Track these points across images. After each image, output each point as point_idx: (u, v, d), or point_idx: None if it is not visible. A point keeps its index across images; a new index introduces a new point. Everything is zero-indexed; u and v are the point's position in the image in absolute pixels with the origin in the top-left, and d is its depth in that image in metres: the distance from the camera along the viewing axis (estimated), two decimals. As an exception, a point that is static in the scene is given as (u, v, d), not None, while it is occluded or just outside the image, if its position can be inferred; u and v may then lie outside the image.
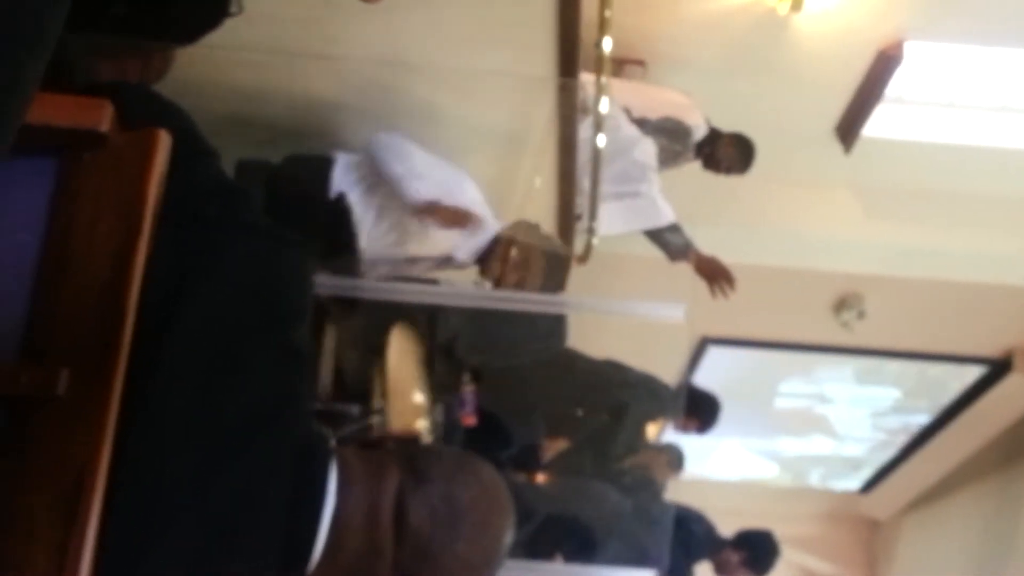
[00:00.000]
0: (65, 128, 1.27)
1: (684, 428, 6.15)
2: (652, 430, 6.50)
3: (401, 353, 3.80)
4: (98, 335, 1.20)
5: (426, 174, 3.93)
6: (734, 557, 6.14)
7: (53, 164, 1.29)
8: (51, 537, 1.12)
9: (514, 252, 4.12)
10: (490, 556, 1.40)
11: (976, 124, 6.63)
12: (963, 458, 10.26)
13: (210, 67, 3.16)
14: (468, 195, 4.07)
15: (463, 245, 4.17)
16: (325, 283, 2.92)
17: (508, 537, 1.44)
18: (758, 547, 6.16)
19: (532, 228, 4.32)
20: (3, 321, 1.22)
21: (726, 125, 5.58)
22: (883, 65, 5.97)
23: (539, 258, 4.14)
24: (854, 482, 11.42)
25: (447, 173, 4.03)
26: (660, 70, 5.84)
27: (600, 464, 5.88)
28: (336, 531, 1.32)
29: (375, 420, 3.32)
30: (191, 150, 1.39)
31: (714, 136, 5.52)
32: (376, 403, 3.52)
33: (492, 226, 4.14)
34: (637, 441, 5.99)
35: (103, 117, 1.27)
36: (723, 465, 7.24)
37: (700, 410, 6.16)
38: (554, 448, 5.56)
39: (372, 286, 3.60)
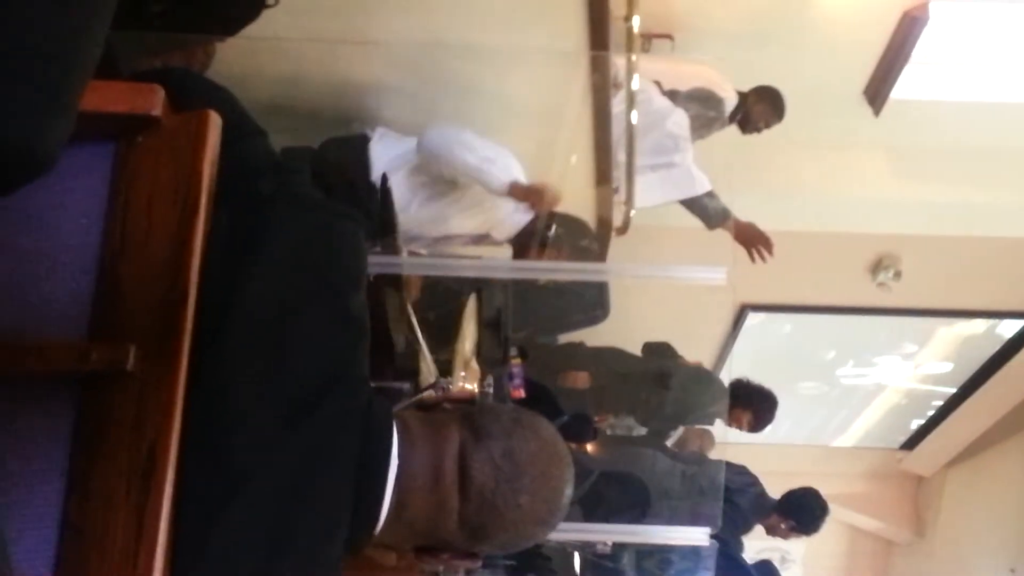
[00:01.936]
0: (120, 114, 1.27)
1: (735, 423, 6.06)
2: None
3: (467, 326, 3.82)
4: (162, 312, 1.21)
5: (495, 158, 3.92)
6: (782, 523, 6.12)
7: (110, 149, 1.29)
8: (129, 502, 1.13)
9: (553, 232, 4.13)
10: (553, 507, 1.40)
11: (1004, 81, 6.57)
12: (1005, 412, 10.18)
13: (250, 58, 3.18)
14: (514, 174, 4.06)
15: (500, 225, 4.17)
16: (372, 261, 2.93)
17: (569, 489, 1.43)
18: (804, 510, 6.13)
19: (572, 222, 4.32)
20: (71, 302, 1.23)
21: (753, 93, 5.57)
22: (909, 26, 5.92)
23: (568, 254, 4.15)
24: (897, 439, 11.34)
25: (495, 151, 4.02)
26: (688, 43, 5.81)
27: (650, 432, 5.90)
28: (401, 491, 1.32)
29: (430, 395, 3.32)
30: (241, 131, 1.40)
31: (744, 100, 5.49)
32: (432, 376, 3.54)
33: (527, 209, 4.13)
34: (683, 410, 5.99)
35: (156, 101, 1.28)
36: (769, 429, 7.23)
37: (755, 402, 6.11)
38: (604, 420, 5.57)
39: (418, 262, 3.60)
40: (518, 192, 3.93)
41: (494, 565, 4.04)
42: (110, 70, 1.13)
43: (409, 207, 3.91)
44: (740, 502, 5.97)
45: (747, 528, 6.13)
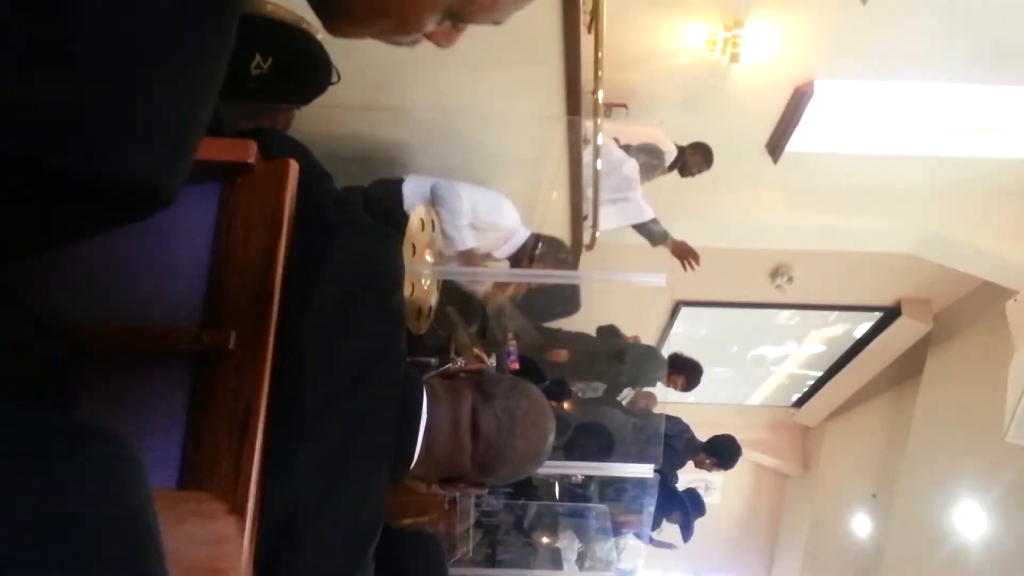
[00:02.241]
0: (224, 161, 1.27)
1: (671, 384, 6.09)
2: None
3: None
4: (255, 306, 1.21)
5: (465, 224, 3.93)
6: (707, 460, 6.13)
7: (217, 187, 1.29)
8: (231, 447, 1.13)
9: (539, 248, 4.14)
10: (539, 449, 1.43)
11: (868, 138, 6.59)
12: (868, 380, 10.25)
13: (319, 121, 3.19)
14: (505, 214, 4.07)
15: (500, 248, 4.18)
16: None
17: (551, 437, 1.46)
18: (724, 450, 6.13)
19: (553, 241, 4.34)
20: (188, 298, 1.23)
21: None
22: (799, 98, 5.93)
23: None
24: (790, 400, 11.41)
25: (491, 202, 4.02)
26: (638, 110, 5.83)
27: (610, 392, 5.90)
28: (429, 437, 1.34)
29: (449, 368, 3.33)
30: (312, 174, 1.40)
31: (682, 152, 5.50)
32: (452, 355, 3.56)
33: (523, 232, 4.13)
34: (635, 377, 6.00)
35: (250, 152, 1.28)
36: (698, 391, 7.27)
37: (686, 371, 6.13)
38: (575, 385, 5.58)
39: (442, 270, 3.61)
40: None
41: (495, 491, 4.05)
42: (217, 129, 1.14)
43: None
44: (676, 445, 5.97)
45: (681, 464, 6.13)
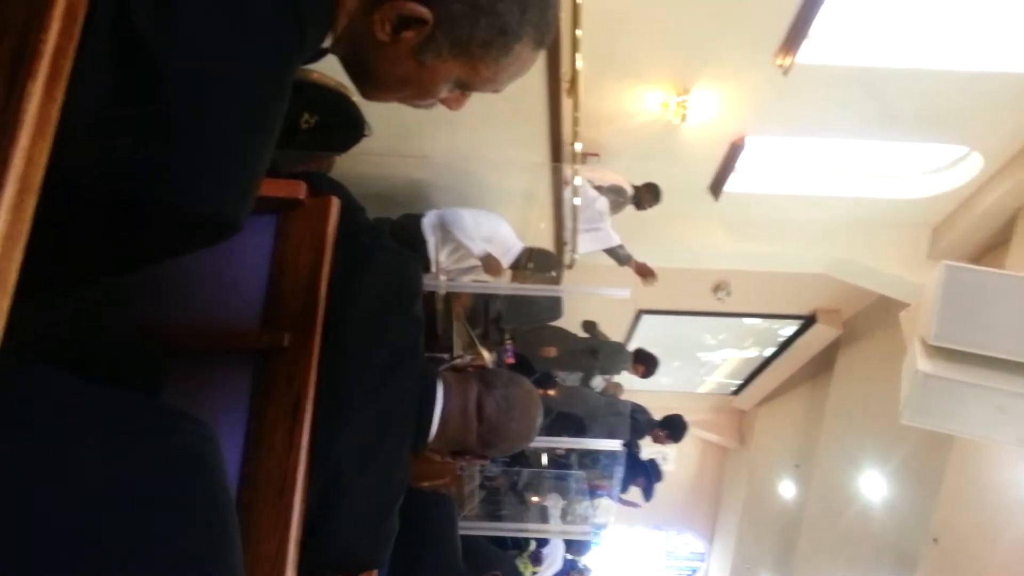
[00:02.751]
0: (280, 198, 1.28)
1: (635, 372, 6.08)
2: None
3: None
4: (305, 312, 1.21)
5: (476, 237, 3.94)
6: (662, 433, 6.11)
7: (275, 218, 1.29)
8: (285, 427, 1.13)
9: (531, 266, 4.14)
10: (532, 429, 1.43)
11: (789, 182, 6.60)
12: (790, 374, 10.23)
13: (355, 165, 3.18)
14: (503, 230, 4.07)
15: (503, 258, 4.18)
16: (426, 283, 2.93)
17: (540, 420, 1.46)
18: (676, 427, 6.12)
19: (544, 253, 4.34)
20: (251, 307, 1.23)
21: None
22: (734, 150, 5.94)
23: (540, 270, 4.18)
24: (729, 388, 11.39)
25: (491, 220, 4.02)
26: (607, 158, 5.83)
27: (585, 380, 5.87)
28: (443, 419, 1.33)
29: (459, 362, 3.33)
30: (351, 207, 1.40)
31: (637, 191, 5.50)
32: (458, 351, 3.54)
33: (518, 246, 4.13)
34: (606, 368, 5.99)
35: (301, 190, 1.28)
36: (655, 382, 7.24)
37: (647, 362, 6.13)
38: (558, 375, 5.56)
39: (453, 285, 3.62)
40: (485, 262, 3.96)
41: (495, 461, 4.04)
42: (274, 172, 1.14)
43: (442, 254, 3.93)
44: (639, 419, 5.97)
45: (643, 435, 6.10)
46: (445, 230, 3.92)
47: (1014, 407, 3.28)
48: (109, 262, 0.75)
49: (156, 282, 1.19)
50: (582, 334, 5.95)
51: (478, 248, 3.90)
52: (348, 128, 2.77)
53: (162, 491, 0.59)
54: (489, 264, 3.91)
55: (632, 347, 6.33)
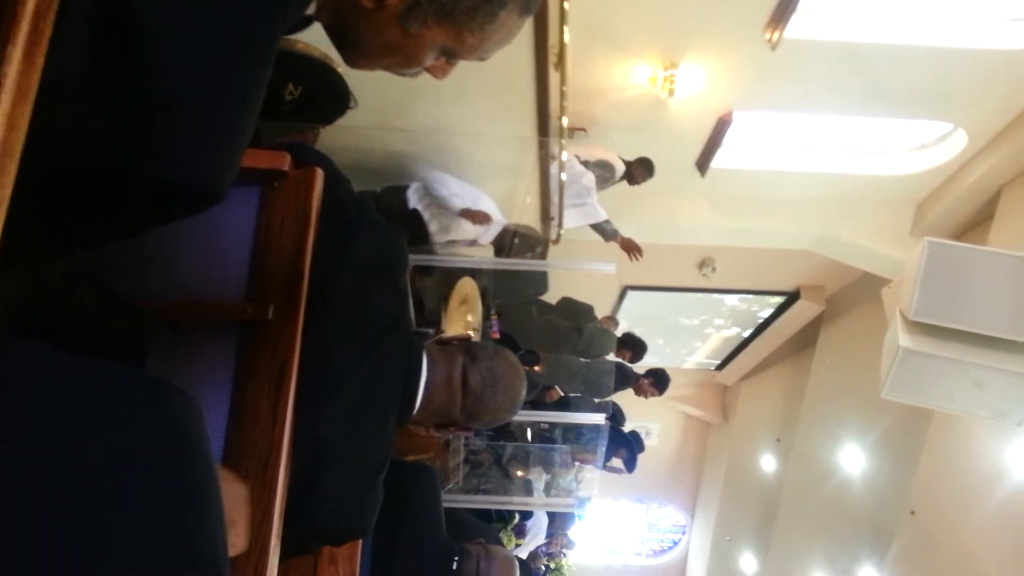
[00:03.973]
0: (264, 169, 1.26)
1: (621, 356, 6.08)
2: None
3: (460, 296, 3.83)
4: (289, 284, 1.20)
5: (459, 193, 3.92)
6: (646, 381, 6.14)
7: (257, 190, 1.28)
8: (270, 397, 1.13)
9: (516, 242, 4.14)
10: (515, 402, 1.43)
11: (775, 158, 6.62)
12: (773, 350, 10.31)
13: (339, 137, 3.16)
14: (484, 201, 4.06)
15: (484, 234, 4.17)
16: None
17: (524, 394, 1.46)
18: (660, 375, 6.15)
19: (528, 231, 4.33)
20: (235, 279, 1.23)
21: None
22: (721, 126, 5.93)
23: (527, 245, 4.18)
24: (713, 364, 11.47)
25: (471, 191, 4.01)
26: (595, 133, 5.82)
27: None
28: (428, 390, 1.33)
29: (444, 335, 3.34)
30: (336, 180, 1.39)
31: (629, 166, 5.49)
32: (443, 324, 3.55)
33: (501, 221, 4.12)
34: (588, 347, 6.00)
35: (285, 162, 1.27)
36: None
37: (634, 347, 6.15)
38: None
39: (436, 257, 3.61)
40: (467, 214, 3.93)
41: (480, 434, 4.06)
42: (257, 143, 1.13)
43: (429, 226, 3.91)
44: (626, 371, 6.01)
45: (630, 383, 6.11)
46: (429, 195, 3.91)
47: (991, 382, 3.33)
48: (90, 231, 0.75)
49: (139, 254, 1.18)
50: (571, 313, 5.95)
51: (458, 204, 3.89)
52: (333, 100, 2.74)
53: (145, 463, 0.59)
54: (471, 217, 3.90)
55: (619, 325, 6.35)
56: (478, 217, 3.93)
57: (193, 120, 0.68)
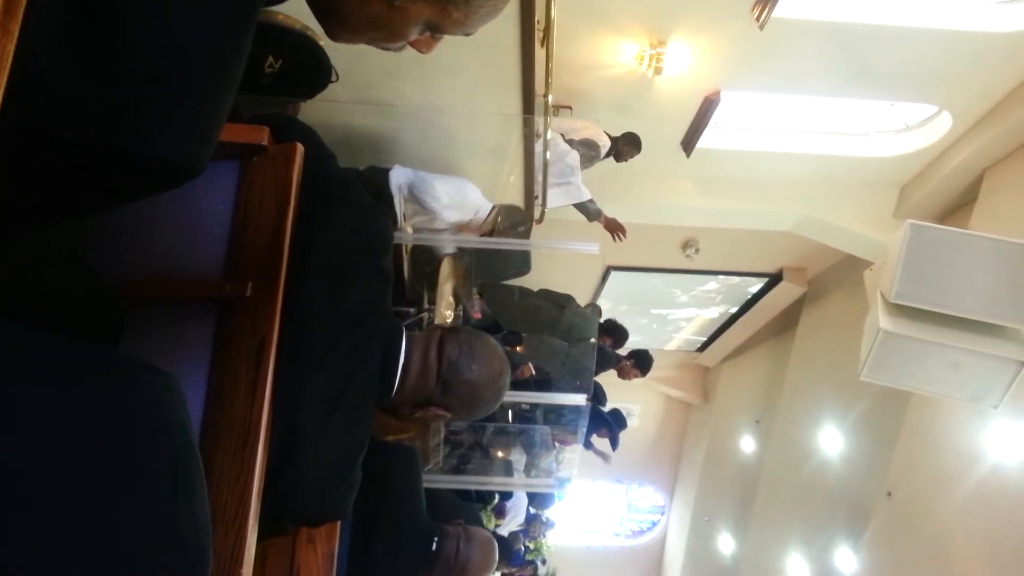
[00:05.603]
0: (242, 143, 1.25)
1: (603, 342, 6.06)
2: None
3: (444, 276, 3.82)
4: (267, 262, 1.19)
5: (448, 205, 3.91)
6: (628, 363, 6.17)
7: (236, 164, 1.27)
8: (248, 375, 1.13)
9: (499, 222, 4.13)
10: (494, 379, 1.41)
11: (760, 139, 6.63)
12: (754, 331, 10.39)
13: (320, 112, 3.13)
14: (469, 193, 4.04)
15: (469, 225, 4.16)
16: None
17: (506, 380, 1.45)
18: (642, 356, 6.18)
19: (512, 207, 4.32)
20: (213, 256, 1.22)
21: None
22: (708, 105, 5.93)
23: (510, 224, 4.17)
24: (695, 345, 11.55)
25: (456, 184, 4.00)
26: (580, 110, 5.80)
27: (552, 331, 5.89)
28: (405, 366, 1.33)
29: (424, 316, 3.34)
30: (319, 154, 1.37)
31: (616, 142, 5.48)
32: (426, 305, 3.54)
33: (487, 205, 4.11)
34: (570, 329, 6.00)
35: (264, 136, 1.26)
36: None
37: (615, 334, 6.15)
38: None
39: (419, 238, 3.60)
40: (456, 228, 3.94)
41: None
42: (236, 117, 1.12)
43: (410, 212, 3.90)
44: (606, 351, 6.02)
45: (611, 364, 6.12)
46: (414, 193, 3.89)
47: (969, 365, 3.39)
48: (64, 205, 0.74)
49: (115, 230, 1.16)
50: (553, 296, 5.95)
51: (447, 216, 3.89)
52: (314, 73, 2.70)
53: (124, 443, 0.59)
54: (463, 230, 3.92)
55: (600, 305, 6.37)
56: (468, 231, 3.92)
57: (171, 92, 0.67)
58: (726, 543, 11.08)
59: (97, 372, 0.61)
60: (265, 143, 1.26)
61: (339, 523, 1.40)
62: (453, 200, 3.94)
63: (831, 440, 8.24)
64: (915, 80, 5.47)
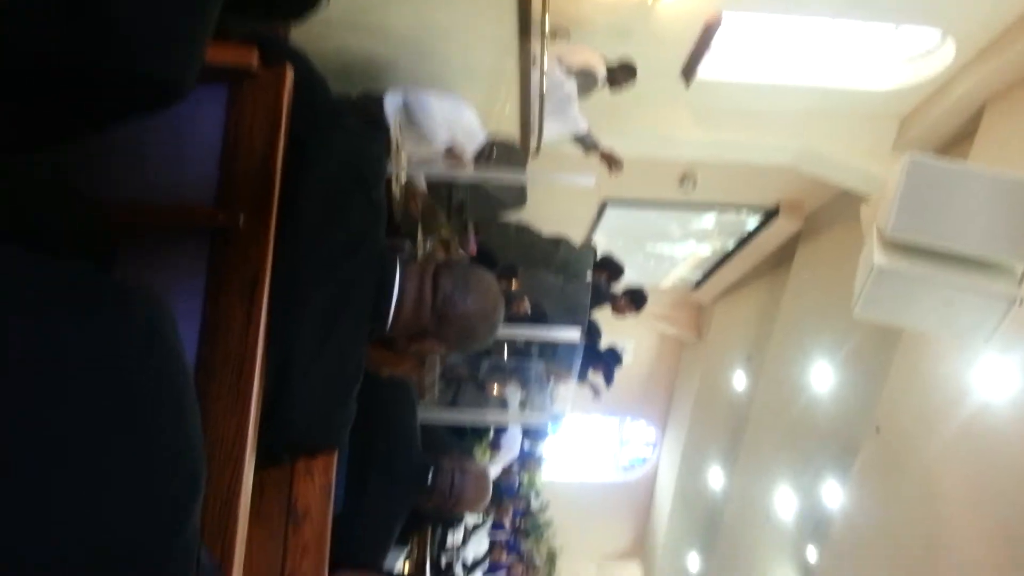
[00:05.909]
0: (231, 66, 1.22)
1: (598, 277, 6.09)
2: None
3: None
4: (259, 190, 1.18)
5: (442, 123, 3.82)
6: (622, 300, 6.20)
7: (225, 88, 1.24)
8: (242, 307, 1.13)
9: (494, 160, 4.08)
10: (488, 312, 1.40)
11: (760, 69, 6.52)
12: (750, 268, 10.40)
13: (310, 34, 3.05)
14: (466, 118, 3.97)
15: (466, 148, 4.10)
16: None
17: (499, 315, 1.44)
18: (636, 293, 6.22)
19: (507, 144, 4.26)
20: (203, 184, 1.20)
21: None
22: (709, 30, 5.75)
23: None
24: (691, 282, 11.57)
25: (453, 104, 3.91)
26: (578, 35, 5.65)
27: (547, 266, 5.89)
28: (399, 298, 1.32)
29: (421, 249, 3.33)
30: (312, 78, 1.34)
31: (611, 71, 5.38)
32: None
33: (482, 135, 4.04)
34: (564, 264, 6.01)
35: (252, 58, 1.22)
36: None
37: (610, 268, 6.13)
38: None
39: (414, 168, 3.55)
40: (448, 154, 3.87)
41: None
42: (224, 37, 1.10)
43: (406, 138, 3.83)
44: (601, 288, 6.05)
45: (605, 300, 6.17)
46: (408, 115, 3.81)
47: (961, 301, 3.42)
48: (48, 128, 0.72)
49: (103, 157, 1.14)
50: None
51: (442, 138, 3.81)
52: (304, -3, 2.62)
53: (116, 367, 0.58)
54: (451, 157, 3.83)
55: (595, 240, 6.35)
56: (457, 159, 3.84)
57: (152, 7, 0.65)
58: (716, 476, 11.34)
59: (86, 293, 0.60)
60: (254, 66, 1.22)
61: (336, 456, 1.42)
62: (448, 118, 3.86)
63: (822, 376, 8.36)
64: (920, 1, 5.35)
